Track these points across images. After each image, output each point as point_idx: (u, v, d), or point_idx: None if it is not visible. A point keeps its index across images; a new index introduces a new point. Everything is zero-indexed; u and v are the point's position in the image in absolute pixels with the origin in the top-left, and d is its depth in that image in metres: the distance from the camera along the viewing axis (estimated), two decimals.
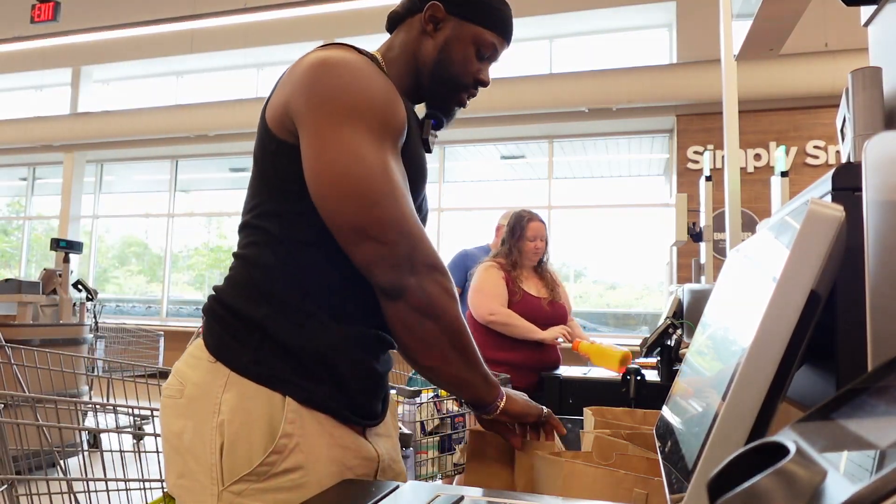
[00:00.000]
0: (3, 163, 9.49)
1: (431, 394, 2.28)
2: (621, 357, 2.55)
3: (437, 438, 2.18)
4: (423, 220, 1.14)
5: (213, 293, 1.05)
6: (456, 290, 0.98)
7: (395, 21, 1.14)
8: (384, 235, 0.93)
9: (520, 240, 2.82)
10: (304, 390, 0.96)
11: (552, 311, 2.79)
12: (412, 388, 2.06)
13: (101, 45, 8.35)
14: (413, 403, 2.03)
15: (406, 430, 1.48)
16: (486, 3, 1.08)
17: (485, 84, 1.14)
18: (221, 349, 0.97)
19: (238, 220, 1.11)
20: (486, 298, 2.76)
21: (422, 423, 2.14)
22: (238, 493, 0.91)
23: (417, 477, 1.84)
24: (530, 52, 7.61)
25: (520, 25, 7.81)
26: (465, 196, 8.03)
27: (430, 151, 1.13)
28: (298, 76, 0.97)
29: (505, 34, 1.12)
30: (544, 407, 1.25)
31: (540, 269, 2.90)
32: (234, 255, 1.07)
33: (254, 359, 0.96)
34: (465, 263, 3.08)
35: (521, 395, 1.21)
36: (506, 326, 2.72)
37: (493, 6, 1.09)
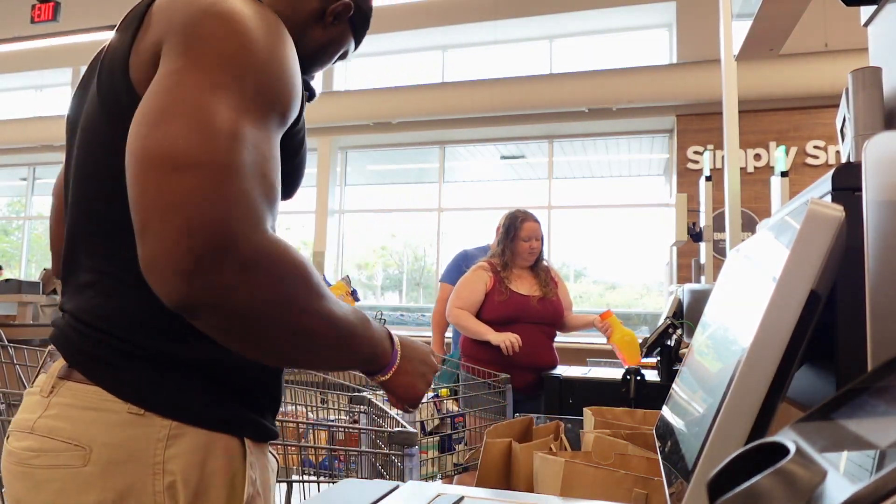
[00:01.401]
0: (3, 163, 9.49)
1: (431, 394, 2.28)
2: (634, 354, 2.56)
3: (437, 438, 2.18)
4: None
5: (107, 328, 0.80)
6: (288, 260, 0.71)
7: None
8: (165, 222, 0.64)
9: (514, 240, 2.83)
10: (258, 426, 0.86)
11: (542, 309, 2.79)
12: None
13: (101, 45, 8.32)
14: None
15: (411, 429, 1.48)
16: (369, 20, 1.09)
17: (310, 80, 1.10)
18: (156, 397, 0.79)
19: None
20: (455, 296, 2.85)
21: (422, 423, 2.14)
22: None
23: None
24: (530, 52, 7.61)
25: (520, 25, 7.78)
26: (465, 196, 8.03)
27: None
28: (186, 14, 0.75)
29: (356, 47, 1.14)
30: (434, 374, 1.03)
31: (535, 268, 2.90)
32: (101, 274, 0.82)
33: (205, 403, 0.81)
34: (465, 264, 3.09)
35: (420, 367, 0.96)
36: (459, 327, 2.84)
37: (369, 23, 1.10)
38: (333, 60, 1.07)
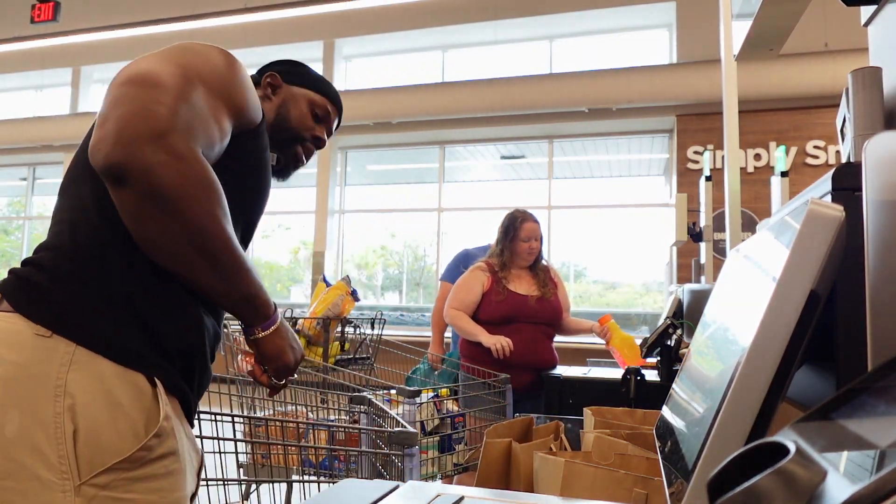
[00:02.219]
0: (3, 163, 9.49)
1: (431, 394, 2.28)
2: (634, 356, 2.57)
3: (437, 438, 2.18)
4: (252, 235, 1.15)
5: (45, 251, 0.93)
6: (210, 173, 0.87)
7: None
8: (119, 109, 0.83)
9: (513, 241, 2.84)
10: (168, 374, 0.90)
11: (539, 309, 2.79)
12: (412, 388, 2.06)
13: (101, 45, 8.34)
14: (413, 403, 2.03)
15: (411, 429, 1.47)
16: (314, 76, 1.31)
17: (320, 143, 1.30)
18: (65, 321, 0.84)
19: None
20: (451, 297, 2.87)
21: (422, 423, 2.14)
22: (104, 485, 0.82)
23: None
24: (530, 52, 7.61)
25: (520, 25, 7.78)
26: (465, 196, 8.03)
27: (273, 176, 1.22)
28: None
29: (335, 102, 1.32)
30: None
31: (533, 268, 2.90)
32: (70, 207, 0.96)
33: (115, 334, 0.86)
34: (466, 263, 3.08)
35: (292, 342, 1.04)
36: (454, 325, 2.87)
37: (321, 79, 1.32)
38: (312, 118, 1.27)
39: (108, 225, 0.89)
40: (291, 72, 1.29)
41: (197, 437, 1.48)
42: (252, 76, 1.24)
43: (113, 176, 0.81)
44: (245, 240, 1.11)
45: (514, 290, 2.79)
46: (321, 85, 1.31)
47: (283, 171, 1.31)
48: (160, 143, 0.81)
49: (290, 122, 1.24)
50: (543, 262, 2.94)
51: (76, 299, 0.87)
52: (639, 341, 2.37)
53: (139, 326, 0.89)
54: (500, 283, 2.79)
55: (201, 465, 1.03)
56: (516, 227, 2.84)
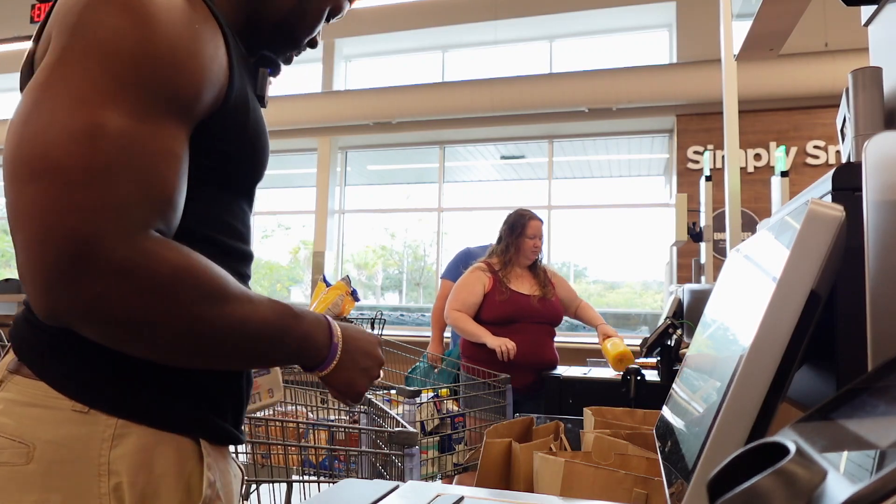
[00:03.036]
0: (2, 163, 9.48)
1: (431, 394, 2.28)
2: (614, 358, 2.58)
3: (437, 438, 2.18)
4: (255, 191, 0.94)
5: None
6: (173, 267, 0.67)
7: None
8: (20, 233, 0.63)
9: (519, 237, 2.85)
10: (215, 427, 0.82)
11: (542, 308, 2.80)
12: (412, 389, 2.06)
13: None
14: (413, 403, 2.04)
15: (411, 429, 1.47)
16: None
17: (315, 45, 1.02)
18: (99, 394, 0.75)
19: None
20: (453, 298, 2.87)
21: (422, 423, 2.14)
22: None
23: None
24: (530, 52, 7.61)
25: (520, 25, 7.77)
26: (465, 196, 8.03)
27: (264, 106, 0.93)
28: (70, 3, 0.70)
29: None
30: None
31: (534, 268, 2.91)
32: None
33: (154, 400, 0.77)
34: (467, 262, 3.09)
35: (363, 363, 0.90)
36: (457, 329, 2.87)
37: None
38: (325, 16, 0.99)
39: None
40: None
41: None
42: None
43: (55, 323, 0.66)
44: (251, 197, 0.94)
45: (515, 289, 2.79)
46: None
47: (289, 58, 1.02)
48: (89, 271, 0.61)
49: (303, 22, 0.95)
50: (541, 263, 2.96)
51: (109, 367, 0.76)
52: (639, 341, 2.37)
53: (174, 384, 0.79)
54: (502, 282, 2.79)
55: (243, 482, 0.96)
56: (524, 224, 2.87)
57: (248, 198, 0.92)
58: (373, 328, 3.18)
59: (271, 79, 0.96)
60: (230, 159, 0.83)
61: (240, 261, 0.89)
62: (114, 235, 0.63)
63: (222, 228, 0.85)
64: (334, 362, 0.85)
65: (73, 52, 0.67)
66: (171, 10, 0.71)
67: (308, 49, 1.03)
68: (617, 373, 2.59)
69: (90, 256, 0.61)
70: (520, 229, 2.86)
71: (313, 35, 0.99)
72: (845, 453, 0.33)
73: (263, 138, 0.89)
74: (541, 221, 2.92)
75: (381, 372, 0.95)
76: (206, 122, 0.76)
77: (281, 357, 0.83)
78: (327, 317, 0.88)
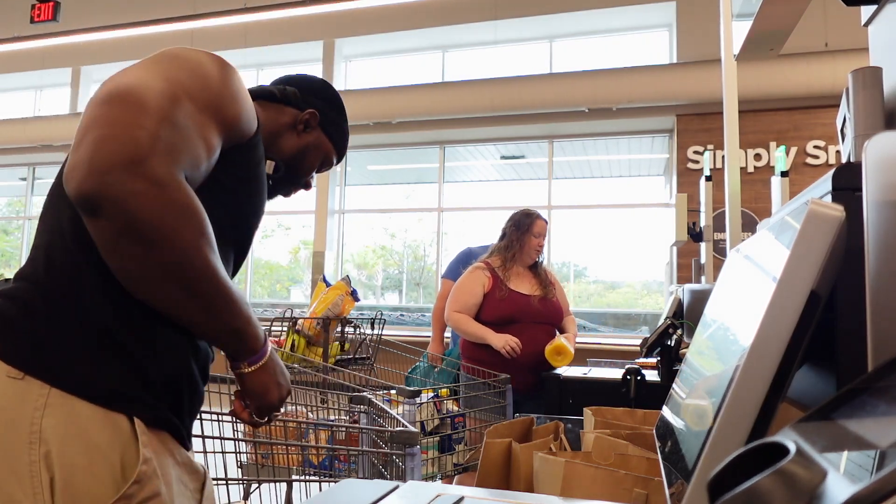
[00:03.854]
0: (3, 163, 9.49)
1: (431, 394, 2.28)
2: (550, 350, 2.57)
3: (437, 439, 2.18)
4: (242, 258, 1.09)
5: (20, 280, 0.88)
6: (193, 201, 0.81)
7: (266, 97, 1.21)
8: (95, 132, 0.77)
9: (525, 234, 2.85)
10: (150, 408, 0.85)
11: (542, 308, 2.79)
12: (412, 389, 2.06)
13: (101, 45, 8.34)
14: (413, 404, 2.04)
15: (412, 429, 1.47)
16: (346, 132, 1.29)
17: (308, 188, 1.30)
18: (38, 361, 0.79)
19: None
20: (452, 300, 2.85)
21: (422, 423, 2.14)
22: None
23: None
24: (530, 52, 7.61)
25: (520, 25, 7.76)
26: (465, 196, 8.03)
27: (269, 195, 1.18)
28: None
29: (340, 156, 1.31)
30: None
31: (535, 268, 2.90)
32: (48, 231, 0.91)
33: (90, 374, 0.81)
34: (468, 261, 3.08)
35: (280, 378, 0.98)
36: (458, 329, 2.84)
37: (347, 136, 1.30)
38: (317, 167, 1.25)
39: (85, 253, 0.84)
40: (330, 119, 1.24)
41: (197, 437, 1.48)
42: (283, 88, 1.21)
43: (86, 206, 0.76)
44: (242, 252, 1.07)
45: (515, 289, 2.79)
46: (342, 138, 1.28)
47: (271, 196, 1.24)
48: (137, 171, 0.75)
49: (300, 167, 1.22)
50: (542, 264, 2.95)
51: (49, 336, 0.81)
52: (639, 341, 2.37)
53: (118, 361, 0.83)
54: (502, 281, 2.79)
55: (204, 484, 0.97)
56: (530, 223, 2.86)
57: (233, 237, 1.02)
58: (373, 328, 3.18)
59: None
60: (236, 187, 0.99)
61: None
62: (162, 159, 0.78)
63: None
64: (264, 359, 0.94)
65: (160, 57, 0.91)
66: (230, 68, 0.97)
67: (303, 190, 1.30)
68: (610, 365, 2.59)
69: (142, 163, 0.76)
70: (526, 227, 2.86)
71: (307, 178, 1.27)
72: (845, 453, 0.33)
73: (261, 200, 1.06)
74: (546, 222, 2.92)
75: (283, 408, 1.04)
76: (233, 149, 0.96)
77: (229, 328, 0.89)
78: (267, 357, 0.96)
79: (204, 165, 0.88)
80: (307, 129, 1.21)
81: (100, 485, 0.78)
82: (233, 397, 1.00)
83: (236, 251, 1.04)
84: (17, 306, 0.84)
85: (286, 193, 1.27)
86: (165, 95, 0.83)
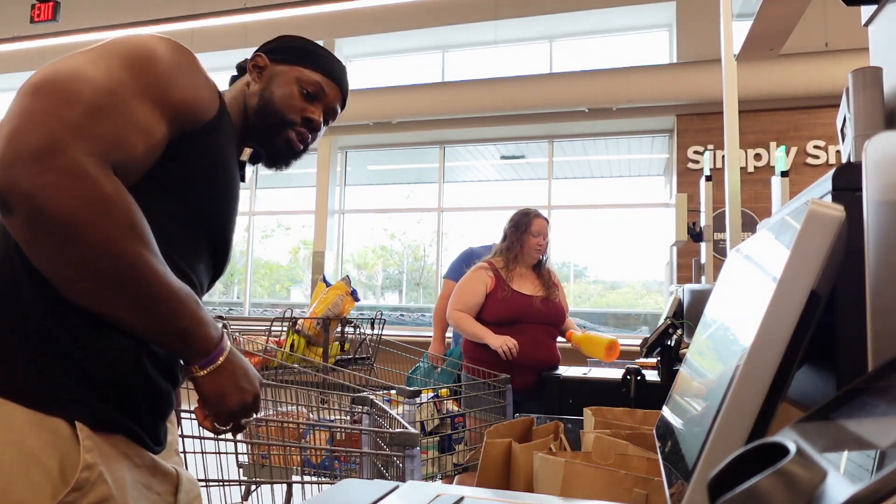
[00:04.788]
0: None
1: (431, 394, 2.28)
2: (607, 344, 2.58)
3: (437, 439, 2.18)
4: (226, 253, 1.04)
5: None
6: (115, 193, 0.76)
7: (232, 82, 1.19)
8: (11, 124, 0.74)
9: (524, 234, 2.84)
10: (94, 412, 0.81)
11: (545, 309, 2.78)
12: (412, 389, 2.06)
13: None
14: (413, 404, 2.04)
15: (412, 430, 1.47)
16: (306, 48, 1.17)
17: (314, 123, 1.14)
18: None
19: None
20: (454, 299, 2.85)
21: (422, 423, 2.14)
22: None
23: None
24: (530, 52, 7.61)
25: (520, 25, 7.75)
26: (465, 196, 8.03)
27: (243, 179, 1.11)
28: None
29: (331, 75, 1.16)
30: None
31: (538, 268, 2.89)
32: None
33: (25, 376, 0.77)
34: (470, 261, 3.08)
35: (241, 381, 0.91)
36: (458, 327, 2.84)
37: (315, 51, 1.17)
38: (302, 97, 1.13)
39: (17, 250, 0.79)
40: (279, 48, 1.15)
41: (197, 437, 1.48)
42: (241, 63, 1.18)
43: (3, 202, 0.72)
44: (221, 248, 1.02)
45: (518, 289, 2.78)
46: (314, 59, 1.15)
47: (279, 160, 1.17)
48: (47, 162, 0.71)
49: (274, 105, 1.11)
50: (546, 264, 2.94)
51: None
52: (639, 341, 2.37)
53: (57, 364, 0.79)
54: (505, 282, 2.79)
55: (178, 486, 0.94)
56: (529, 222, 2.85)
57: (205, 232, 0.97)
58: (373, 328, 3.18)
59: (250, 166, 1.14)
60: (197, 176, 0.94)
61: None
62: (80, 149, 0.74)
63: (169, 241, 0.89)
64: (217, 362, 0.87)
65: (102, 45, 0.87)
66: (178, 48, 0.93)
67: (309, 137, 1.16)
68: (610, 365, 2.59)
69: (54, 154, 0.72)
70: (524, 227, 2.85)
71: (296, 116, 1.13)
72: (845, 453, 0.33)
73: (230, 187, 1.00)
74: (546, 220, 2.90)
75: (254, 414, 0.96)
76: (186, 136, 0.91)
77: (172, 328, 0.83)
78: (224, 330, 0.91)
79: (142, 155, 0.83)
80: (262, 72, 1.13)
81: (37, 493, 0.75)
82: (196, 403, 0.94)
83: (212, 247, 1.00)
84: None
85: (289, 148, 1.14)
86: (93, 82, 0.79)
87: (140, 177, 0.85)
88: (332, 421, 2.28)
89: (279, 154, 1.15)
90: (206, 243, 0.98)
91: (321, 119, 1.16)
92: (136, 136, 0.82)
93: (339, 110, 1.20)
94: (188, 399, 1.06)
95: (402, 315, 8.07)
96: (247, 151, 1.11)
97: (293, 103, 1.12)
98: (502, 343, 2.61)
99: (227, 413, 0.91)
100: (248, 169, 1.14)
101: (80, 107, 0.76)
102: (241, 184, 1.10)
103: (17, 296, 0.80)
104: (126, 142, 0.81)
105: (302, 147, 1.16)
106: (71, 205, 0.72)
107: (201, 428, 1.55)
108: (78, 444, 0.78)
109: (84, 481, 0.77)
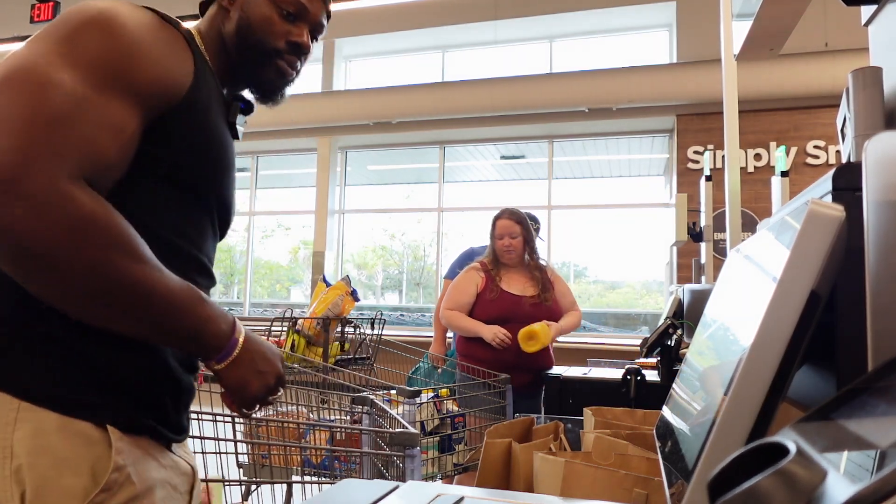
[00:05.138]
0: None
1: (431, 394, 2.28)
2: (522, 334, 2.56)
3: (437, 439, 2.18)
4: (228, 217, 1.01)
5: None
6: (91, 210, 0.72)
7: (203, 7, 1.09)
8: None
9: (492, 238, 2.88)
10: (123, 415, 0.82)
11: (533, 311, 2.76)
12: (412, 389, 2.06)
13: None
14: (413, 404, 2.04)
15: (412, 430, 1.47)
16: None
17: (301, 47, 1.04)
18: (3, 375, 0.76)
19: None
20: (447, 299, 2.88)
21: (422, 423, 2.14)
22: None
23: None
24: (530, 52, 7.61)
25: (520, 25, 7.76)
26: (465, 196, 8.03)
27: (236, 137, 1.01)
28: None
29: None
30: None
31: (529, 268, 2.87)
32: None
33: (56, 382, 0.78)
34: (470, 262, 3.08)
35: (260, 366, 0.90)
36: (452, 327, 2.88)
37: None
38: (282, 18, 1.02)
39: None
40: None
41: (197, 437, 1.48)
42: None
43: None
44: (224, 212, 0.99)
45: (507, 289, 2.79)
46: None
47: (272, 94, 1.07)
48: (14, 191, 0.67)
49: (253, 35, 1.00)
50: (542, 261, 2.94)
51: (13, 349, 0.78)
52: (639, 341, 2.37)
53: (83, 368, 0.80)
54: (494, 281, 2.80)
55: (193, 486, 0.95)
56: (493, 224, 2.88)
57: (207, 208, 0.94)
58: (373, 328, 3.18)
59: (243, 118, 1.04)
60: (186, 155, 0.88)
61: (194, 269, 0.89)
62: (43, 170, 0.68)
63: (173, 229, 0.88)
64: (232, 355, 0.86)
65: (47, 31, 0.78)
66: (134, 17, 0.82)
67: (300, 61, 1.07)
68: (610, 365, 2.59)
69: (16, 182, 0.67)
70: (491, 231, 2.89)
71: (279, 43, 1.02)
72: (845, 453, 0.33)
73: (222, 152, 0.94)
74: (512, 220, 2.83)
75: (280, 390, 0.96)
76: (165, 116, 0.84)
77: (181, 333, 0.83)
78: (234, 316, 0.88)
79: (115, 155, 0.78)
80: (231, 2, 1.03)
81: (71, 497, 0.76)
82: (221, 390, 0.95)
83: (219, 213, 0.97)
84: None
85: (281, 77, 1.05)
86: (48, 87, 0.72)
87: (122, 172, 0.80)
88: (332, 421, 2.28)
89: (271, 88, 1.06)
90: (207, 218, 0.96)
91: (308, 40, 1.05)
92: (105, 138, 0.76)
93: (326, 22, 1.10)
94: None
95: (402, 315, 8.07)
96: (235, 107, 1.01)
97: (274, 28, 1.01)
98: (494, 334, 2.62)
99: (251, 399, 0.92)
100: (241, 122, 1.05)
101: (38, 119, 0.70)
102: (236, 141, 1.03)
103: (39, 304, 0.78)
104: (95, 148, 0.74)
105: (294, 73, 1.07)
106: (48, 234, 0.69)
107: (201, 427, 1.56)
108: (108, 447, 0.79)
109: (113, 482, 0.78)
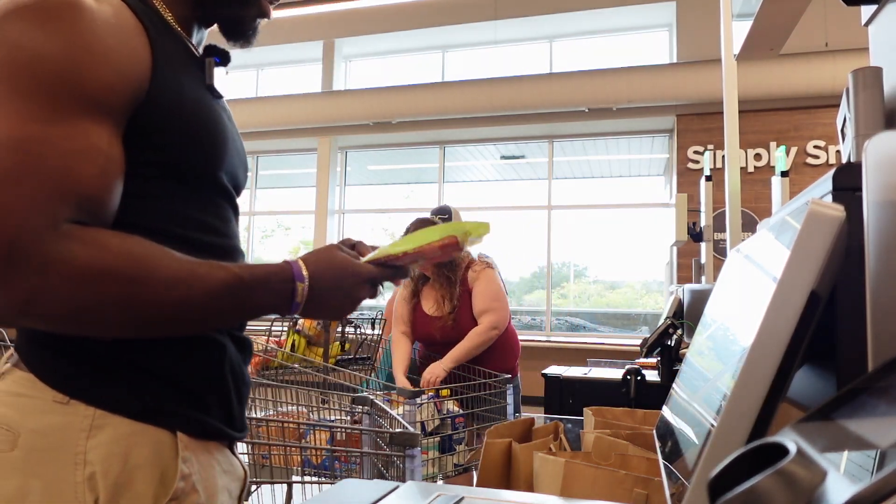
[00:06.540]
0: None
1: (432, 394, 2.28)
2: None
3: (438, 439, 2.18)
4: (239, 184, 0.95)
5: None
6: (96, 260, 0.68)
7: None
8: None
9: None
10: (195, 421, 0.83)
11: (441, 335, 2.55)
12: (412, 389, 2.06)
13: None
14: (413, 404, 2.04)
15: (412, 430, 1.48)
16: None
17: (261, 12, 0.94)
18: (78, 384, 0.77)
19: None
20: (395, 316, 2.77)
21: (422, 423, 2.14)
22: None
23: None
24: (530, 52, 7.61)
25: (520, 25, 7.77)
26: (465, 196, 8.03)
27: (219, 97, 0.91)
28: None
29: None
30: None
31: (441, 280, 2.59)
32: None
33: (130, 391, 0.79)
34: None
35: (333, 299, 0.84)
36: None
37: None
38: None
39: None
40: None
41: None
42: None
43: (8, 325, 0.70)
44: (236, 186, 0.95)
45: (425, 309, 2.67)
46: None
47: (248, 31, 0.96)
48: (13, 271, 0.64)
49: None
50: (474, 259, 2.64)
51: (87, 358, 0.78)
52: (639, 341, 2.37)
53: (155, 376, 0.81)
54: (417, 297, 2.69)
55: (242, 490, 0.96)
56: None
57: (217, 188, 0.90)
58: (373, 328, 3.18)
59: (221, 68, 0.92)
60: (175, 148, 0.82)
61: (221, 256, 0.85)
62: (28, 235, 0.64)
63: (191, 224, 0.85)
64: (302, 304, 0.81)
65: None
66: (63, 13, 0.71)
67: (258, 20, 0.96)
68: (610, 365, 2.58)
69: (12, 258, 0.64)
70: None
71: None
72: (846, 453, 0.33)
73: (211, 125, 0.87)
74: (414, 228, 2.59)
75: (378, 288, 0.90)
76: (137, 115, 0.76)
77: (234, 319, 0.84)
78: (296, 268, 0.81)
79: (98, 182, 0.72)
80: None
81: (141, 503, 0.77)
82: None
83: (232, 183, 0.93)
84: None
85: (258, 10, 0.94)
86: (24, 151, 0.66)
87: (118, 190, 0.75)
88: (333, 421, 2.28)
89: (250, 26, 0.96)
90: (220, 197, 0.91)
91: None
92: (83, 167, 0.69)
93: None
94: None
95: None
96: (210, 64, 0.89)
97: None
98: (424, 382, 2.47)
99: (341, 316, 0.90)
100: (220, 73, 0.91)
101: (4, 185, 0.64)
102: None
103: None
104: (73, 184, 0.68)
105: (270, 8, 0.97)
106: (64, 297, 0.67)
107: None
108: (176, 455, 0.80)
109: (180, 491, 0.79)
